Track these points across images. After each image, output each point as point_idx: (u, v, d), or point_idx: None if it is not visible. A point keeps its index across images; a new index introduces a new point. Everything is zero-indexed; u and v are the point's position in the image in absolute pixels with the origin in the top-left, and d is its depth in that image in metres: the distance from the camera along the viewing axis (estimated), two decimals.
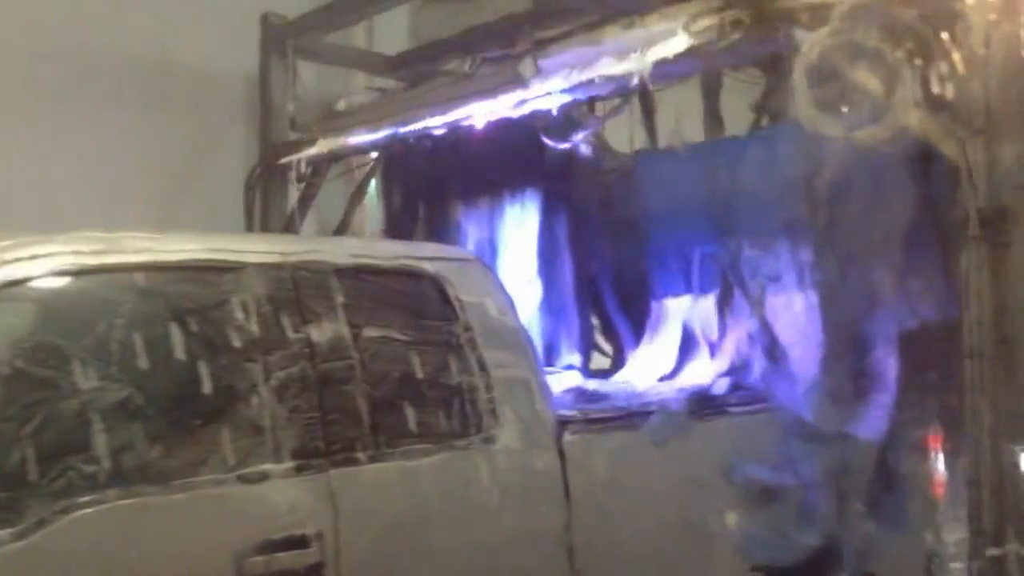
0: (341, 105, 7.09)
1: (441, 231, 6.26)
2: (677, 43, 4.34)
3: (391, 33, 7.68)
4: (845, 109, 3.81)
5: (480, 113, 5.29)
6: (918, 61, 3.67)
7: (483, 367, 3.50)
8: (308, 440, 3.06)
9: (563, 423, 3.68)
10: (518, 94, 5.02)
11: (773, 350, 4.69)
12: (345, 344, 3.22)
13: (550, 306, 5.76)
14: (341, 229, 6.82)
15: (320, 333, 3.18)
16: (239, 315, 3.06)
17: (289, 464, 3.01)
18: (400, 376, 3.33)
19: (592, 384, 5.05)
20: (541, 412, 3.62)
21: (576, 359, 5.63)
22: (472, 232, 6.13)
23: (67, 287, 2.88)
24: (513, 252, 5.89)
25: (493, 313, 3.62)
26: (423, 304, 3.50)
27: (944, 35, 3.63)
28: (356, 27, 7.50)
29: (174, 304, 2.99)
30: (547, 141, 5.42)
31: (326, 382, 3.15)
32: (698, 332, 5.19)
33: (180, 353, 2.93)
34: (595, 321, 5.92)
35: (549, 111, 5.12)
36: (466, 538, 3.33)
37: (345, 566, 3.02)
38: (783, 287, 4.70)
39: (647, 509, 3.80)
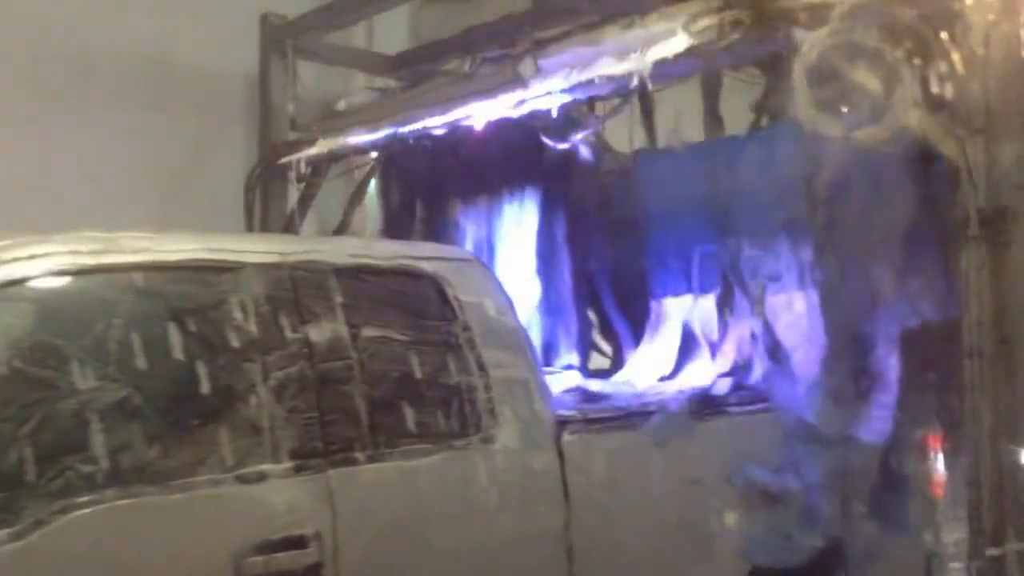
0: (341, 105, 7.10)
1: (440, 231, 6.26)
2: (677, 43, 4.34)
3: (391, 33, 7.69)
4: (845, 109, 3.81)
5: (480, 113, 5.29)
6: (917, 61, 3.67)
7: (482, 367, 3.49)
8: (306, 440, 3.05)
9: (562, 423, 3.67)
10: (518, 94, 5.03)
11: (774, 350, 4.69)
12: (344, 344, 3.22)
13: (549, 306, 5.76)
14: (341, 229, 6.82)
15: (319, 333, 3.18)
16: (237, 315, 3.05)
17: (287, 464, 3.01)
18: (399, 376, 3.32)
19: (594, 384, 5.04)
20: (540, 412, 3.62)
21: (575, 359, 5.62)
22: (471, 232, 6.13)
23: (65, 287, 2.88)
24: (512, 252, 5.89)
25: (492, 313, 3.62)
26: (422, 304, 3.49)
27: (943, 35, 3.63)
28: (356, 27, 7.52)
29: (172, 304, 2.98)
30: (547, 141, 5.41)
31: (325, 382, 3.14)
32: (698, 332, 5.19)
33: (178, 353, 2.92)
34: (594, 321, 5.91)
35: (549, 111, 5.12)
36: (465, 538, 3.33)
37: (343, 566, 3.02)
38: (783, 287, 4.70)
39: (646, 509, 3.80)
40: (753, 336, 4.83)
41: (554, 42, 5.14)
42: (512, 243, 5.91)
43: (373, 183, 6.87)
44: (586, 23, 5.19)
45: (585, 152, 5.72)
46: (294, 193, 6.82)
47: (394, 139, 5.92)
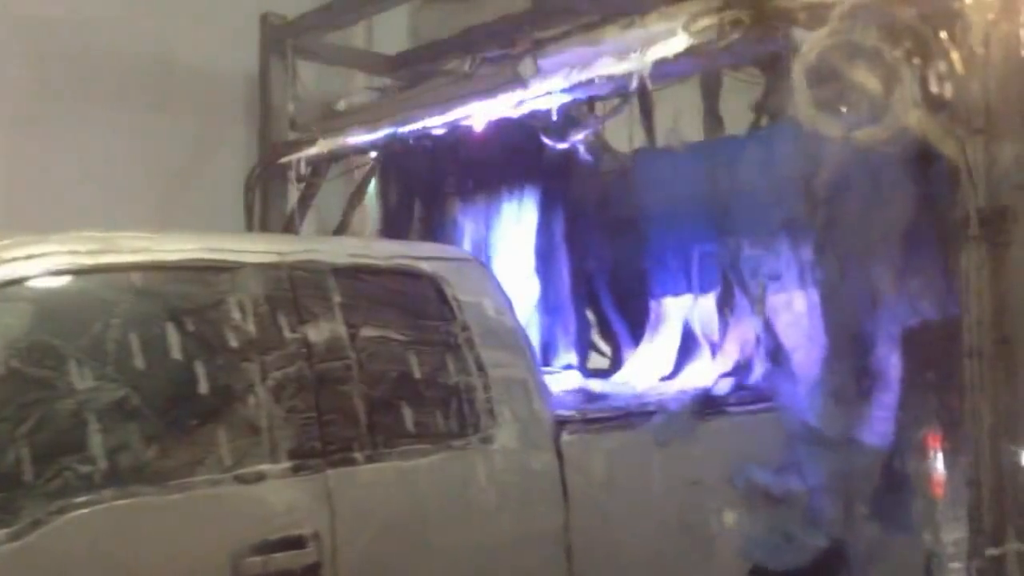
0: (341, 105, 7.10)
1: (438, 230, 6.26)
2: (677, 43, 4.34)
3: (391, 33, 7.69)
4: (844, 109, 3.81)
5: (480, 113, 5.28)
6: (917, 61, 3.66)
7: (481, 367, 3.49)
8: (305, 440, 3.05)
9: (561, 423, 3.66)
10: (518, 94, 5.02)
11: (775, 350, 4.69)
12: (342, 344, 3.22)
13: (548, 305, 5.75)
14: (341, 229, 6.82)
15: (317, 333, 3.18)
16: (236, 315, 3.05)
17: (286, 464, 3.00)
18: (397, 376, 3.32)
19: (596, 384, 5.04)
20: (539, 412, 3.61)
21: (573, 359, 5.62)
22: (469, 231, 6.12)
23: (63, 287, 2.88)
24: (511, 251, 5.88)
25: (491, 313, 3.61)
26: (421, 304, 3.49)
27: (943, 35, 3.62)
28: (356, 27, 7.52)
29: (171, 304, 2.98)
30: (546, 141, 5.41)
31: (323, 382, 3.14)
32: (698, 332, 5.18)
33: (177, 353, 2.92)
34: (592, 321, 5.91)
35: (549, 111, 5.12)
36: (464, 539, 3.32)
37: (342, 566, 3.01)
38: (783, 286, 4.70)
39: (646, 509, 3.79)
40: (754, 336, 4.82)
41: (554, 42, 5.14)
42: (511, 243, 5.91)
43: (373, 183, 6.87)
44: (586, 23, 5.19)
45: (584, 152, 5.71)
46: (294, 193, 6.82)
47: (394, 139, 5.91)
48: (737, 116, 5.69)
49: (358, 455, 3.14)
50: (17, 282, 2.78)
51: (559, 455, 3.59)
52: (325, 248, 3.48)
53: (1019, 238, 3.57)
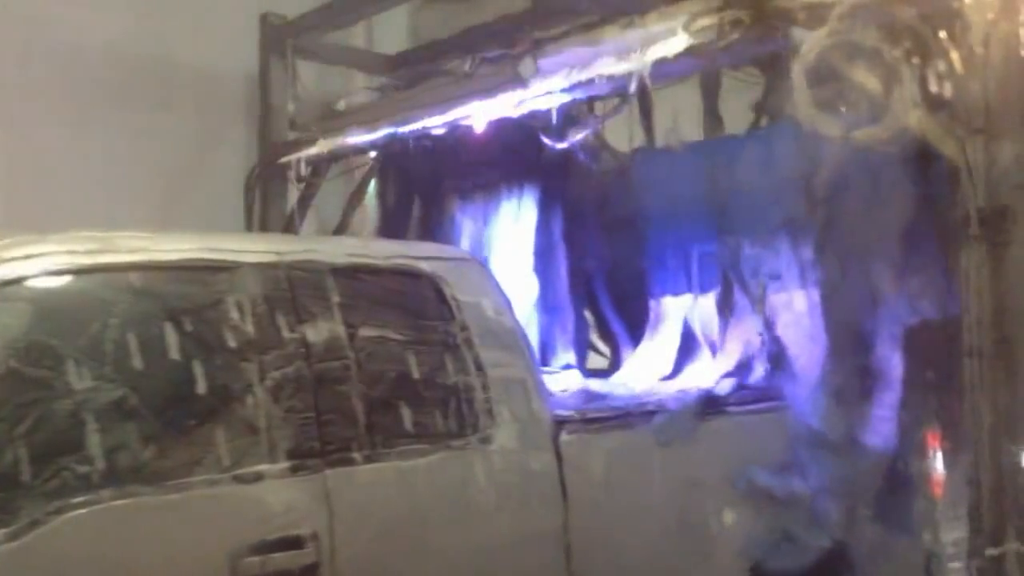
0: (341, 105, 7.09)
1: (437, 230, 6.26)
2: (676, 43, 4.33)
3: (390, 33, 7.70)
4: (844, 109, 3.81)
5: (480, 113, 5.28)
6: (917, 61, 3.66)
7: (480, 367, 3.48)
8: (303, 440, 3.05)
9: (560, 423, 3.66)
10: (517, 94, 5.02)
11: (776, 350, 4.68)
12: (341, 344, 3.21)
13: (546, 305, 5.75)
14: (340, 229, 6.82)
15: (316, 333, 3.17)
16: (234, 315, 3.05)
17: (284, 464, 3.00)
18: (396, 376, 3.31)
19: (597, 385, 5.04)
20: (538, 412, 3.61)
21: (572, 358, 5.62)
22: (468, 230, 6.12)
23: (62, 287, 2.88)
24: (510, 251, 5.88)
25: (490, 313, 3.61)
26: (419, 304, 3.48)
27: (943, 34, 3.62)
28: (356, 27, 7.52)
29: (169, 304, 2.98)
30: (546, 140, 5.41)
31: (322, 382, 3.13)
32: (698, 332, 5.18)
33: (175, 353, 2.92)
34: (591, 320, 5.91)
35: (548, 111, 5.12)
36: (462, 539, 3.32)
37: (340, 567, 3.01)
38: (784, 286, 4.69)
39: (645, 509, 3.79)
40: (754, 335, 4.82)
41: (554, 42, 5.14)
42: (510, 242, 5.91)
43: (373, 183, 6.87)
44: (586, 23, 5.19)
45: (584, 151, 5.71)
46: (294, 193, 6.83)
47: (394, 139, 5.91)
48: (737, 116, 5.69)
49: (357, 455, 3.14)
50: (15, 282, 2.78)
51: (558, 455, 3.58)
52: (323, 248, 3.47)
53: (1019, 238, 3.56)
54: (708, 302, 5.13)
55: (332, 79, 7.56)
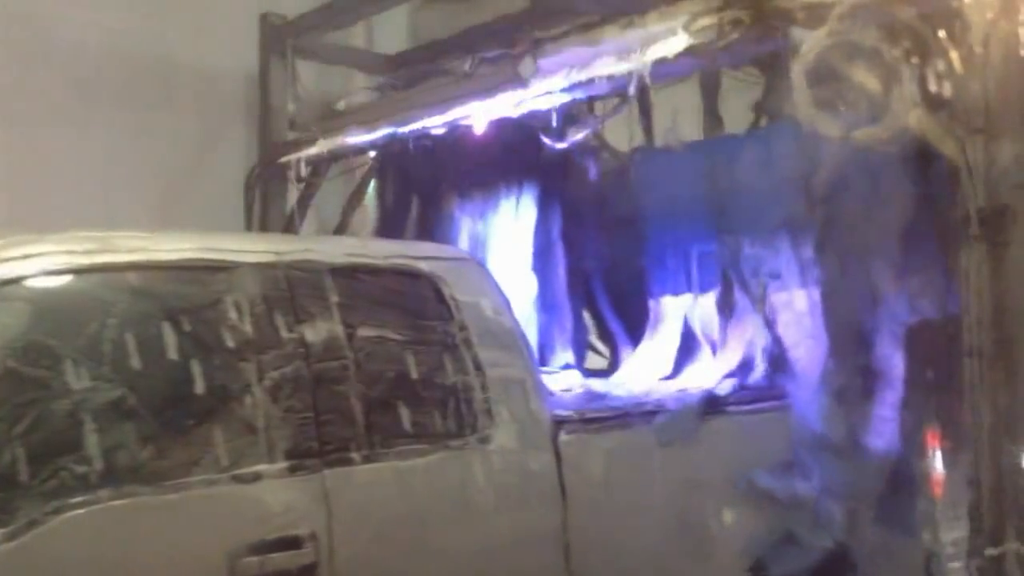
0: (341, 105, 7.09)
1: (435, 229, 6.25)
2: (676, 43, 4.33)
3: (390, 33, 7.70)
4: (844, 109, 3.80)
5: (479, 113, 5.28)
6: (916, 60, 3.65)
7: (478, 367, 3.48)
8: (302, 440, 3.04)
9: (559, 423, 3.65)
10: (517, 94, 5.02)
11: (776, 349, 4.68)
12: (339, 344, 3.21)
13: (545, 305, 5.75)
14: (340, 229, 6.81)
15: (314, 333, 3.17)
16: (233, 315, 3.04)
17: (283, 464, 3.00)
18: (395, 376, 3.31)
19: (599, 385, 5.03)
20: (537, 412, 3.60)
21: (571, 358, 5.61)
22: (466, 230, 6.12)
23: (60, 287, 2.88)
24: (509, 250, 5.88)
25: (489, 312, 3.60)
26: (418, 303, 3.48)
27: (942, 34, 3.61)
28: (355, 27, 7.51)
29: (167, 304, 2.98)
30: (545, 140, 5.41)
31: (320, 382, 3.13)
32: (698, 332, 5.18)
33: (173, 353, 2.92)
34: (590, 320, 5.91)
35: (548, 111, 5.12)
36: (461, 539, 3.32)
37: (339, 567, 3.01)
38: (784, 285, 4.69)
39: (644, 509, 3.79)
40: (755, 335, 4.82)
41: (553, 42, 5.13)
42: (509, 242, 5.90)
43: (373, 183, 6.87)
44: (585, 23, 5.18)
45: (583, 151, 5.71)
46: (294, 193, 6.82)
47: (394, 139, 5.91)
48: (737, 116, 5.69)
49: (355, 455, 3.14)
50: (13, 282, 2.78)
51: (557, 455, 3.58)
52: (322, 248, 3.47)
53: (1019, 238, 3.56)
54: (708, 302, 5.12)
55: (332, 79, 7.55)
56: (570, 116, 5.42)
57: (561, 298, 5.75)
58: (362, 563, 3.07)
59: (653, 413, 4.03)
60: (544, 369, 4.85)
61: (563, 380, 5.07)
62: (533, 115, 5.20)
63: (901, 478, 4.13)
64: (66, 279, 2.89)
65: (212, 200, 7.01)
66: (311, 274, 3.26)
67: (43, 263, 2.84)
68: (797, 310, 4.62)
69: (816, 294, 4.51)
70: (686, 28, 4.28)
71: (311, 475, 3.03)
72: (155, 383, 2.89)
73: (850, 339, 4.30)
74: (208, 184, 7.22)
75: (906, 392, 4.13)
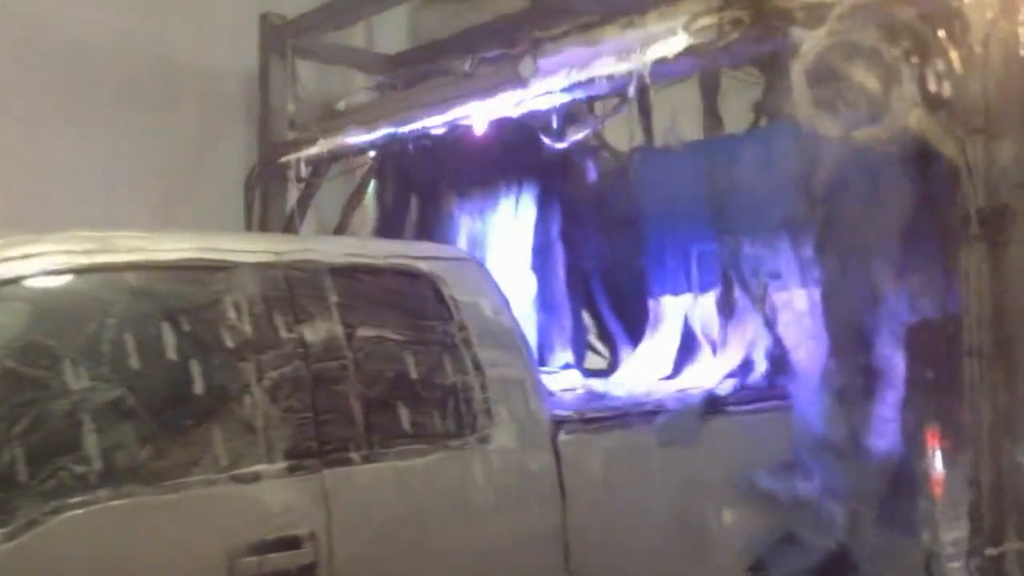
0: (341, 105, 7.08)
1: (435, 229, 6.25)
2: (676, 43, 4.33)
3: (390, 33, 7.69)
4: (844, 109, 3.80)
5: (479, 113, 5.28)
6: (916, 60, 3.65)
7: (478, 367, 3.48)
8: (301, 440, 3.04)
9: (558, 423, 3.65)
10: (517, 94, 5.02)
11: (777, 349, 4.68)
12: (339, 344, 3.21)
13: (545, 305, 5.75)
14: (340, 229, 6.81)
15: (313, 333, 3.17)
16: (232, 315, 3.04)
17: (282, 464, 3.00)
18: (394, 376, 3.31)
19: (600, 385, 5.03)
20: (536, 412, 3.60)
21: (570, 358, 5.61)
22: (466, 230, 6.12)
23: (58, 286, 2.88)
24: (508, 250, 5.87)
25: (488, 312, 3.60)
26: (418, 303, 3.47)
27: (942, 34, 3.61)
28: (355, 27, 7.50)
29: (166, 304, 2.98)
30: (545, 140, 5.41)
31: (319, 382, 3.13)
32: (698, 332, 5.17)
33: (172, 353, 2.92)
34: (590, 320, 5.90)
35: (547, 111, 5.11)
36: (461, 539, 3.32)
37: (338, 567, 3.01)
38: (784, 285, 4.69)
39: (644, 509, 3.79)
40: (755, 335, 4.81)
41: (553, 42, 5.13)
42: (509, 242, 5.90)
43: (373, 183, 6.86)
44: (585, 23, 5.18)
45: (583, 151, 5.71)
46: (294, 193, 6.82)
47: (393, 139, 5.91)
48: (737, 116, 5.69)
49: (355, 455, 3.14)
50: (12, 281, 2.78)
51: (556, 455, 3.58)
52: (321, 248, 3.47)
53: (1018, 237, 3.55)
54: (708, 302, 5.12)
55: (332, 79, 7.55)
56: (570, 116, 5.42)
57: (560, 298, 5.75)
58: (361, 563, 3.07)
59: (653, 413, 4.03)
60: (544, 369, 4.84)
61: (564, 380, 5.07)
62: (533, 115, 5.19)
63: (903, 479, 4.13)
64: (65, 279, 2.89)
65: (212, 200, 7.01)
66: (310, 274, 3.26)
67: (42, 263, 2.84)
68: (797, 310, 4.62)
69: (816, 294, 4.51)
70: (686, 28, 4.28)
71: (310, 475, 3.03)
72: (154, 383, 2.89)
73: (851, 339, 4.30)
74: (208, 184, 7.22)
75: (907, 392, 4.12)
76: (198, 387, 2.92)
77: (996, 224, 3.56)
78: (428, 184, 6.43)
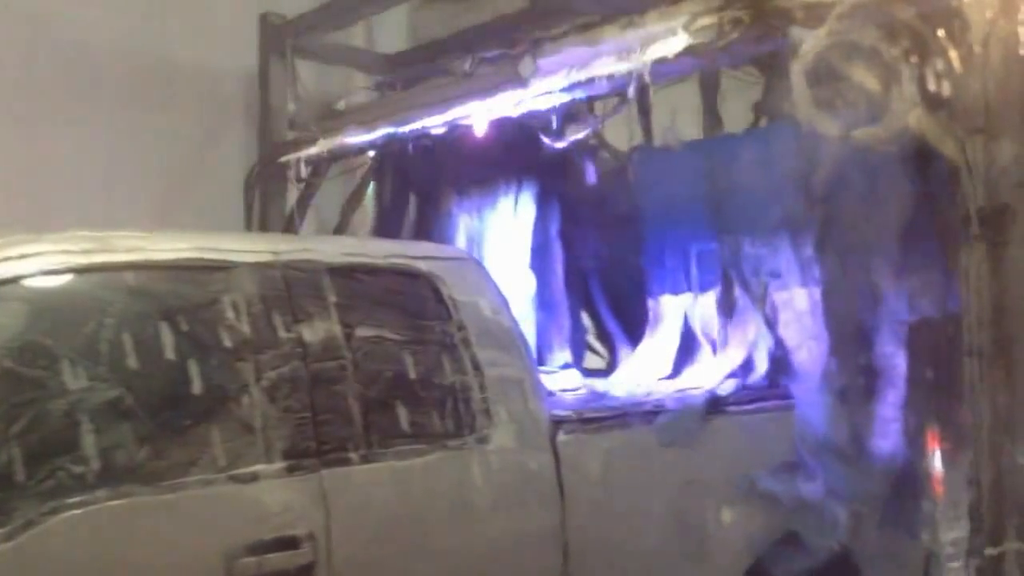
0: (341, 105, 7.09)
1: (434, 229, 6.25)
2: (676, 42, 4.33)
3: (390, 33, 7.70)
4: (843, 108, 3.80)
5: (479, 113, 5.28)
6: (916, 60, 3.65)
7: (477, 366, 3.47)
8: (300, 440, 3.04)
9: (557, 423, 3.65)
10: (517, 94, 5.02)
11: (779, 349, 4.67)
12: (337, 343, 3.20)
13: (544, 304, 5.74)
14: (340, 229, 6.81)
15: (312, 332, 3.16)
16: (230, 314, 3.04)
17: (280, 464, 2.99)
18: (393, 376, 3.30)
19: (600, 384, 5.02)
20: (535, 412, 3.59)
21: (569, 358, 5.60)
22: (465, 230, 6.11)
23: (56, 286, 2.88)
24: (507, 250, 5.87)
25: (487, 312, 3.60)
26: (416, 303, 3.47)
27: (942, 33, 3.61)
28: (355, 27, 7.50)
29: (164, 303, 2.97)
30: (545, 140, 5.41)
31: (318, 382, 3.12)
32: (698, 331, 5.17)
33: (170, 353, 2.91)
34: (589, 320, 5.90)
35: (547, 111, 5.11)
36: (459, 539, 3.31)
37: (337, 567, 3.00)
38: (785, 284, 4.69)
39: (643, 509, 3.78)
40: (755, 335, 4.81)
41: (553, 42, 5.13)
42: (508, 241, 5.90)
43: (372, 183, 6.87)
44: (585, 23, 5.18)
45: (582, 150, 5.70)
46: (293, 193, 6.82)
47: (393, 139, 5.91)
48: (737, 116, 5.69)
49: (353, 455, 3.13)
50: (10, 281, 2.78)
51: (555, 455, 3.57)
52: (320, 247, 3.46)
53: (1018, 237, 3.55)
54: (708, 301, 5.12)
55: (332, 79, 7.55)
56: (570, 116, 5.42)
57: (560, 298, 5.75)
58: (360, 563, 3.07)
59: (653, 413, 4.02)
60: (543, 369, 4.84)
61: (563, 380, 5.06)
62: (533, 115, 5.19)
63: (905, 479, 4.12)
64: (63, 279, 2.88)
65: (212, 200, 7.01)
66: (309, 274, 3.25)
67: (40, 263, 2.83)
68: (798, 309, 4.62)
69: (817, 293, 4.50)
70: (686, 28, 4.28)
71: (309, 475, 3.02)
72: (152, 383, 2.89)
73: (851, 338, 4.30)
74: (208, 184, 7.22)
75: (908, 392, 4.12)
76: (196, 387, 2.92)
77: (996, 224, 3.56)
78: (427, 184, 6.43)
